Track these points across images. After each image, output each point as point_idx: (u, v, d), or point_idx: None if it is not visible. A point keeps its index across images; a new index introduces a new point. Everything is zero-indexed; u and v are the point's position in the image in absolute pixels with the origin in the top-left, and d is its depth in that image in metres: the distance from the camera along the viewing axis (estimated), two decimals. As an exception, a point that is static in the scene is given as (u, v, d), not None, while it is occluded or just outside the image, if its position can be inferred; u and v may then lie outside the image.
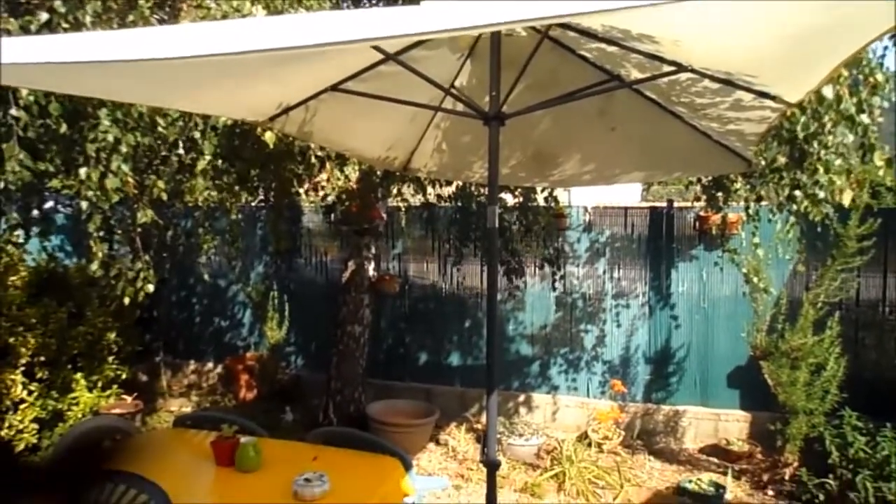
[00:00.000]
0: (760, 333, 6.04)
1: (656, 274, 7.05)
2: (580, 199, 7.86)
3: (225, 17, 3.46)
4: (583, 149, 3.80)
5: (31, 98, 3.56)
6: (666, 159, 3.92)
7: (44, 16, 3.36)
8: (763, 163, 4.57)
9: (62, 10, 3.36)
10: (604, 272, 7.21)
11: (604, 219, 7.23)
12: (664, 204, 7.33)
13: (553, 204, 6.19)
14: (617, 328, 7.18)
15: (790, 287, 6.35)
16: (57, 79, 2.09)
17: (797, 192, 4.48)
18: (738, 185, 5.15)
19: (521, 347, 7.43)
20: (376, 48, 2.76)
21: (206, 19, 3.60)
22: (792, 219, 5.15)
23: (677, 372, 6.97)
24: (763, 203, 5.47)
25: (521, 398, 7.40)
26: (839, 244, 5.63)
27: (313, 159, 5.03)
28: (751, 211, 5.21)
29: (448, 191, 6.46)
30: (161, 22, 3.99)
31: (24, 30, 3.37)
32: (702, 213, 6.64)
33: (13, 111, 3.51)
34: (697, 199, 5.81)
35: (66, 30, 3.34)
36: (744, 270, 6.01)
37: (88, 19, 3.35)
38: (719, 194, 5.27)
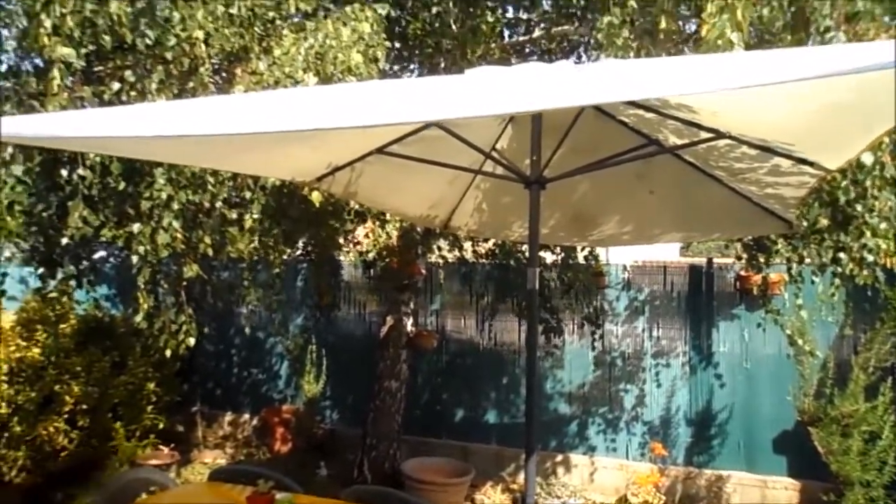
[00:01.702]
0: (808, 398, 5.83)
1: (696, 333, 6.91)
2: (619, 256, 7.83)
3: (277, 83, 3.65)
4: (622, 210, 3.84)
5: (97, 159, 3.78)
6: (705, 220, 3.92)
7: (115, 85, 3.60)
8: (805, 224, 4.53)
9: (131, 79, 3.60)
10: (643, 330, 7.10)
11: (642, 276, 7.17)
12: (703, 260, 7.25)
13: (593, 262, 6.19)
14: (657, 388, 7.01)
15: (837, 350, 6.15)
16: (126, 148, 2.24)
17: (841, 255, 4.41)
18: (779, 246, 5.09)
19: (558, 406, 7.30)
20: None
21: (260, 85, 3.79)
22: (837, 281, 5.04)
23: (720, 435, 6.74)
24: (806, 262, 5.37)
25: (559, 458, 7.23)
26: (889, 307, 5.47)
27: (353, 215, 5.17)
28: (793, 272, 5.12)
29: (485, 247, 6.53)
30: (217, 86, 4.23)
31: (97, 97, 3.62)
32: (742, 273, 6.53)
33: (80, 171, 3.72)
34: (738, 258, 5.74)
35: (133, 97, 3.57)
36: (787, 332, 5.86)
37: (154, 86, 3.58)
38: (760, 255, 5.21)
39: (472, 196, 4.01)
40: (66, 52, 3.45)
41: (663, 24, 2.88)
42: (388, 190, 3.66)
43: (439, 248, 6.59)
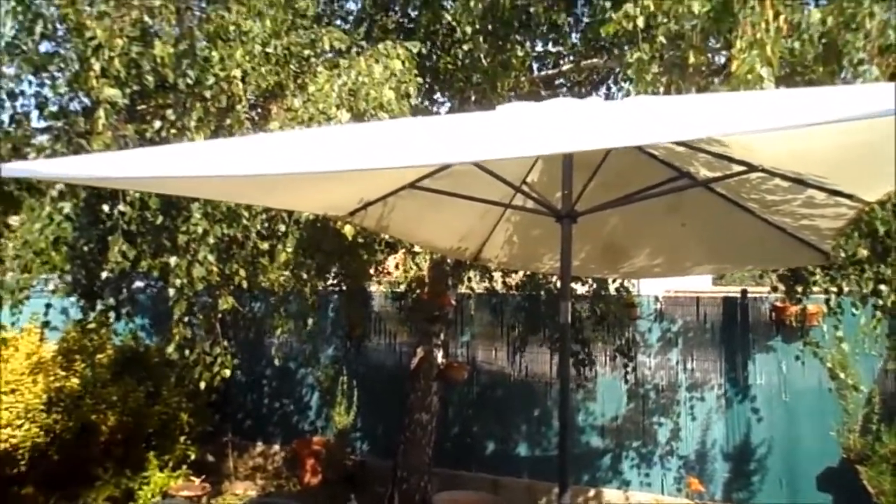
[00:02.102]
0: (853, 434, 5.63)
1: (732, 365, 6.76)
2: (650, 287, 7.74)
3: (311, 119, 3.75)
4: (653, 242, 3.81)
5: (137, 194, 3.91)
6: (738, 252, 3.86)
7: (157, 123, 3.74)
8: (843, 255, 4.43)
9: (172, 117, 3.73)
10: (677, 362, 6.97)
11: (675, 308, 7.07)
12: (737, 290, 7.13)
13: (624, 293, 6.13)
14: (692, 421, 6.85)
15: (882, 384, 5.95)
16: (166, 186, 2.32)
17: (882, 287, 4.29)
18: (817, 277, 4.97)
19: (591, 439, 7.16)
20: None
21: (294, 121, 3.90)
22: (878, 313, 4.90)
23: (759, 470, 6.53)
24: (845, 293, 5.23)
25: (591, 493, 7.07)
26: (934, 339, 5.29)
27: (383, 245, 5.22)
28: (832, 304, 4.99)
29: (516, 278, 6.51)
30: (253, 122, 4.36)
31: (139, 134, 3.76)
32: (778, 304, 6.39)
33: (121, 206, 3.85)
34: (774, 289, 5.62)
35: (174, 135, 3.70)
36: (828, 365, 5.69)
37: (193, 124, 3.70)
38: (797, 286, 5.10)
39: (503, 228, 4.03)
40: (112, 93, 3.61)
41: (692, 59, 2.89)
42: (419, 223, 3.70)
43: (469, 280, 6.59)
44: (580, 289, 6.30)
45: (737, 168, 2.75)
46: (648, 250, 3.87)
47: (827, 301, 5.11)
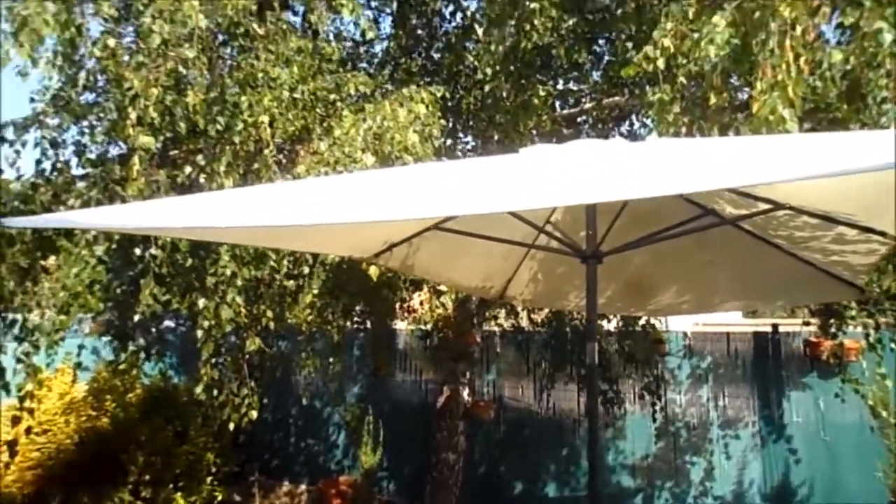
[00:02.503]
0: (898, 475, 5.41)
1: (765, 402, 6.58)
2: (679, 321, 7.62)
3: (337, 162, 3.82)
4: (680, 279, 3.77)
5: (168, 238, 4.00)
6: (767, 288, 3.80)
7: (187, 169, 3.86)
8: (878, 290, 4.33)
9: (202, 163, 3.84)
10: (707, 399, 6.81)
11: (704, 343, 6.94)
12: (767, 323, 6.98)
13: (651, 329, 6.04)
14: (726, 460, 6.65)
15: (927, 422, 5.73)
16: (196, 233, 2.38)
17: (922, 322, 4.17)
18: (853, 311, 4.86)
19: (621, 478, 6.99)
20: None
21: (321, 164, 3.98)
22: (919, 349, 4.76)
23: (800, 514, 6.30)
24: (883, 328, 5.10)
25: (624, 536, 6.87)
26: (979, 375, 5.10)
27: (408, 283, 5.24)
28: (871, 339, 4.86)
29: (542, 315, 6.47)
30: (280, 165, 4.46)
31: (171, 179, 3.87)
32: (812, 339, 6.24)
33: (152, 250, 3.95)
34: (806, 323, 5.51)
35: (204, 179, 3.80)
36: (870, 403, 5.50)
37: (222, 168, 3.80)
38: (832, 320, 4.98)
39: (528, 266, 4.02)
40: (146, 140, 3.74)
41: (713, 100, 2.90)
42: (444, 263, 3.72)
43: (495, 317, 6.57)
44: (607, 325, 6.24)
45: (763, 206, 2.72)
46: (675, 287, 3.83)
47: (866, 336, 4.98)
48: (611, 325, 6.19)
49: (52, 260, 4.47)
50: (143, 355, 5.02)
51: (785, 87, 2.44)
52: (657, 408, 6.59)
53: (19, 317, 4.31)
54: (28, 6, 3.21)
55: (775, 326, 6.88)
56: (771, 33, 2.51)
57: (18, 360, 4.00)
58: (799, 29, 2.49)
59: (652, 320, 6.02)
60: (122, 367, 4.95)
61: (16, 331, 4.20)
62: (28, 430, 4.46)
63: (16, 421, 4.00)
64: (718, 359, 6.86)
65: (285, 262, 4.19)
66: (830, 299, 4.47)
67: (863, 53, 2.49)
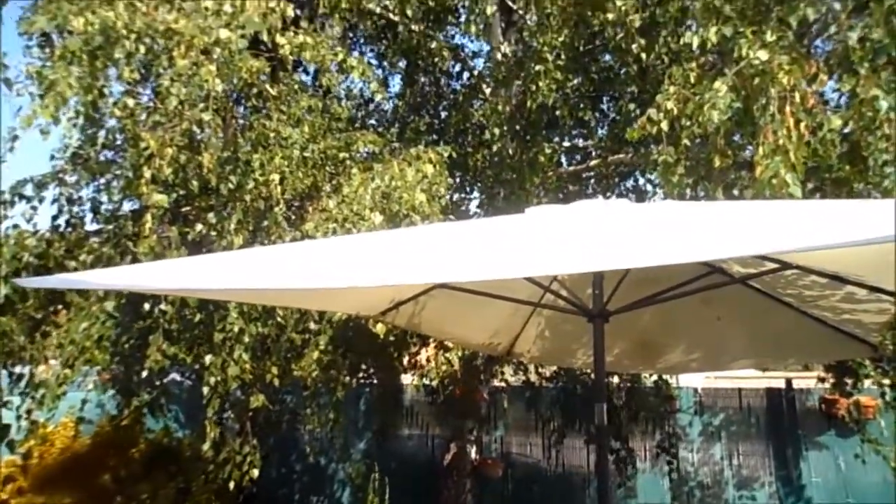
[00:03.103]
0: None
1: (782, 461, 6.41)
2: (689, 376, 7.51)
3: (346, 220, 3.87)
4: (688, 337, 3.73)
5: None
6: (778, 346, 3.75)
7: (198, 226, 3.91)
8: (892, 347, 4.27)
9: (213, 220, 3.91)
10: (721, 458, 6.64)
11: (716, 399, 6.82)
12: (780, 376, 6.85)
13: (662, 386, 5.96)
14: (743, 523, 6.45)
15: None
16: (205, 293, 2.40)
17: (938, 381, 4.10)
18: (868, 369, 4.78)
19: (633, 541, 6.77)
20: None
21: (329, 222, 4.03)
22: (938, 408, 4.65)
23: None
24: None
25: None
26: None
27: (414, 337, 5.21)
28: (888, 398, 4.77)
29: (550, 369, 6.40)
30: (288, 222, 4.51)
31: (182, 236, 3.93)
32: (828, 396, 6.12)
33: (162, 305, 3.97)
34: (821, 379, 5.41)
35: (214, 237, 3.85)
36: (892, 465, 5.35)
37: (232, 227, 3.86)
38: (846, 378, 4.90)
39: (535, 323, 4.00)
40: (159, 198, 3.81)
41: (717, 163, 2.94)
42: (450, 320, 3.71)
43: (503, 373, 6.50)
44: (616, 380, 6.15)
45: (770, 265, 2.72)
46: (684, 346, 3.79)
47: (882, 395, 4.88)
48: (620, 380, 6.11)
49: (62, 314, 4.50)
50: (146, 411, 4.99)
51: (787, 152, 2.48)
52: (672, 466, 6.43)
53: (27, 371, 4.32)
54: (56, 70, 3.34)
55: (789, 382, 6.76)
56: (771, 99, 2.57)
57: (19, 417, 3.99)
58: (798, 95, 2.55)
59: (662, 375, 5.94)
60: (124, 422, 4.91)
61: (22, 385, 4.20)
62: (20, 491, 4.40)
63: (7, 480, 3.96)
64: (731, 415, 6.73)
65: (293, 319, 4.19)
66: (843, 357, 4.40)
67: (861, 118, 2.54)
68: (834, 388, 5.25)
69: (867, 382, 5.09)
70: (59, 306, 4.41)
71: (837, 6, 2.89)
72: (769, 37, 2.76)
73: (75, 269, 4.10)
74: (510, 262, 1.50)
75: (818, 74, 2.63)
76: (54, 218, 4.35)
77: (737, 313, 3.48)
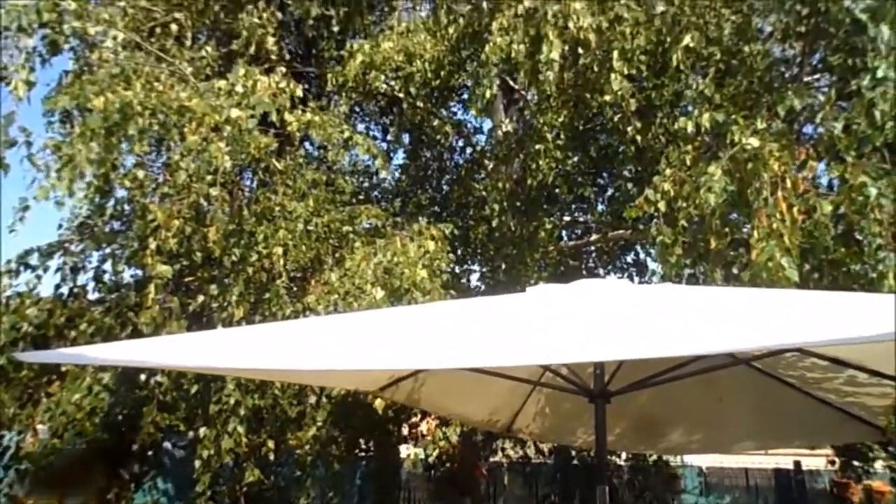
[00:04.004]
0: None
1: (793, 548, 6.16)
2: (694, 455, 7.32)
3: (347, 294, 3.89)
4: (689, 418, 3.67)
5: (175, 365, 4.01)
6: (782, 428, 3.68)
7: (200, 297, 3.94)
8: (897, 431, 4.18)
9: (214, 292, 3.93)
10: (730, 543, 6.40)
11: (722, 479, 6.63)
12: (789, 456, 6.68)
13: (665, 465, 5.81)
14: None
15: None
16: (201, 370, 2.40)
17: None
18: (878, 451, 4.66)
19: None
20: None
21: (331, 295, 4.05)
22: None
23: None
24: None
25: None
26: None
27: (415, 410, 5.13)
28: (899, 483, 4.63)
29: (550, 445, 6.26)
30: (290, 293, 4.53)
31: (184, 307, 3.95)
32: (839, 479, 5.95)
33: (158, 377, 3.94)
34: (832, 462, 5.28)
35: (216, 309, 3.87)
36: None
37: (234, 299, 3.88)
38: (854, 462, 4.78)
39: (535, 400, 3.95)
40: (163, 269, 3.85)
41: (713, 245, 2.99)
42: (450, 397, 3.66)
43: (503, 449, 6.36)
44: (618, 458, 6.01)
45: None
46: (685, 426, 3.72)
47: (892, 480, 4.75)
48: (622, 458, 5.96)
49: (56, 384, 4.46)
50: (133, 486, 4.87)
51: (781, 236, 2.52)
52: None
53: (13, 443, 4.25)
54: (75, 146, 3.46)
55: (798, 464, 6.59)
56: (764, 183, 2.64)
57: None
58: (789, 181, 2.61)
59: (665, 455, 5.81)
60: (109, 497, 4.78)
61: (6, 459, 4.13)
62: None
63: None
64: (738, 497, 6.53)
65: (290, 392, 4.15)
66: (850, 440, 4.31)
67: (853, 203, 2.60)
68: (843, 471, 5.11)
69: (878, 465, 4.97)
70: (54, 376, 4.38)
71: (821, 97, 3.01)
72: (759, 124, 2.87)
73: (75, 339, 4.10)
74: (511, 350, 1.50)
75: (808, 161, 2.71)
76: (57, 287, 4.39)
77: (738, 394, 3.44)
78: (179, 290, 4.39)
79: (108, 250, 4.34)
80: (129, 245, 4.05)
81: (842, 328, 1.25)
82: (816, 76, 4.56)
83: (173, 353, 2.07)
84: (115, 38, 4.04)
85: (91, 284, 4.55)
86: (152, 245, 3.86)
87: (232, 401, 4.12)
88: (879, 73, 2.59)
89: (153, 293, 3.84)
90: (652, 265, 5.59)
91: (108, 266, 4.40)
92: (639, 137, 4.21)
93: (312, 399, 4.15)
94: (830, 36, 3.32)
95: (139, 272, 4.45)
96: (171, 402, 4.34)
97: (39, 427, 4.32)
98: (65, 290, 4.42)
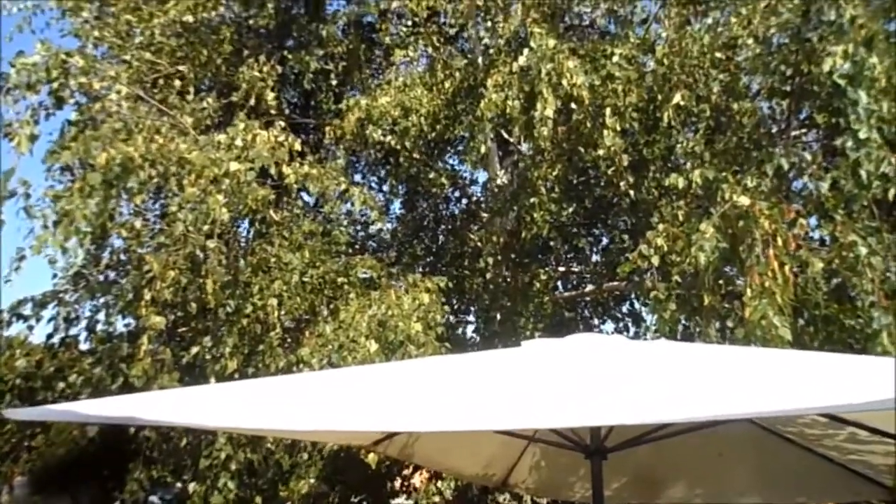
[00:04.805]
0: None
1: None
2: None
3: (341, 347, 3.87)
4: (690, 473, 3.61)
5: (164, 418, 3.94)
6: (784, 483, 3.62)
7: (193, 349, 3.91)
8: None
9: (208, 344, 3.90)
10: None
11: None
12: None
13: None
14: None
15: None
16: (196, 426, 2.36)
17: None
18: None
19: None
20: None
21: (324, 347, 4.02)
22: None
23: None
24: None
25: None
26: None
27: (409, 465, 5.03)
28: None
29: (547, 500, 6.12)
30: (284, 345, 4.49)
31: (176, 359, 3.91)
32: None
33: (146, 432, 3.88)
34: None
35: (209, 361, 3.83)
36: None
37: (228, 351, 3.85)
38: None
39: (531, 453, 3.89)
40: (157, 320, 3.83)
41: (706, 301, 3.01)
42: (444, 451, 3.61)
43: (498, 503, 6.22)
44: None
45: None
46: (685, 481, 3.66)
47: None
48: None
49: (39, 437, 4.38)
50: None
51: (773, 294, 2.54)
52: None
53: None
54: (72, 201, 3.48)
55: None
56: (755, 241, 2.68)
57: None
58: (780, 239, 2.65)
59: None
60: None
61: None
62: None
63: None
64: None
65: (282, 446, 4.08)
66: (856, 498, 4.21)
67: (844, 261, 2.63)
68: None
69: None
70: (38, 428, 4.30)
71: (808, 156, 3.09)
72: (749, 182, 2.93)
73: (63, 391, 4.04)
74: (504, 413, 1.49)
75: (797, 219, 2.75)
76: (49, 336, 4.34)
77: (739, 449, 3.40)
78: (173, 341, 4.36)
79: (101, 300, 4.32)
80: (124, 296, 4.03)
81: (838, 395, 1.25)
82: (804, 130, 4.68)
83: (163, 410, 2.05)
84: (118, 91, 4.12)
85: (83, 335, 4.51)
86: (147, 296, 3.85)
87: (223, 455, 4.04)
88: (861, 135, 2.66)
89: (146, 344, 3.81)
90: (647, 316, 5.59)
91: (101, 316, 4.37)
92: (632, 192, 4.29)
93: (305, 455, 4.08)
94: (814, 95, 3.42)
95: (132, 321, 4.42)
96: (160, 454, 4.25)
97: (19, 479, 4.22)
98: (56, 340, 4.38)
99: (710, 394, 1.45)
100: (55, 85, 3.90)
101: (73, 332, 4.43)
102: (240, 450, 4.08)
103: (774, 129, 4.41)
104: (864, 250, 2.54)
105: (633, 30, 5.35)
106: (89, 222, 3.53)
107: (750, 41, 4.01)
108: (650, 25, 5.39)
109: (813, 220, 3.38)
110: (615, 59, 4.42)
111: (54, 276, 4.54)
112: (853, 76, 2.78)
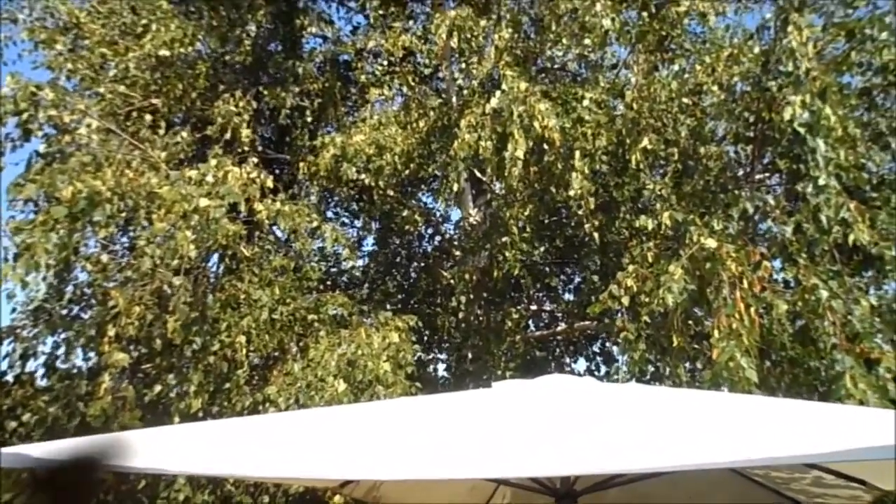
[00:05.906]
0: None
1: None
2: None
3: (309, 386, 3.79)
4: (661, 517, 3.58)
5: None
6: (754, 526, 3.61)
7: (157, 388, 3.79)
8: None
9: (172, 382, 3.80)
10: None
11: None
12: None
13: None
14: None
15: None
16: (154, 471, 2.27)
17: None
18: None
19: None
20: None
21: (292, 386, 3.94)
22: None
23: None
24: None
25: None
26: None
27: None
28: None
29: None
30: (250, 383, 4.39)
31: (139, 397, 3.79)
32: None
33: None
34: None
35: (172, 399, 3.72)
36: None
37: (192, 389, 3.75)
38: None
39: (501, 494, 3.83)
40: (120, 357, 3.72)
41: (675, 342, 3.04)
42: (412, 493, 3.53)
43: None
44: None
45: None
46: (657, 525, 3.62)
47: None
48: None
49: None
50: None
51: (740, 336, 2.58)
52: None
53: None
54: (34, 235, 3.40)
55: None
56: (722, 282, 2.73)
57: None
58: (746, 281, 2.70)
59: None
60: None
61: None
62: None
63: None
64: None
65: (243, 488, 3.95)
66: (821, 539, 4.22)
67: (806, 304, 2.69)
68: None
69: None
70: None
71: (772, 200, 3.18)
72: (716, 224, 3.00)
73: (15, 430, 3.87)
74: (470, 462, 1.47)
75: (762, 262, 2.81)
76: (2, 374, 4.17)
77: (709, 491, 3.39)
78: (136, 378, 4.23)
79: (63, 336, 4.18)
80: (85, 331, 3.91)
81: (815, 445, 1.25)
82: (767, 174, 4.82)
83: (121, 454, 1.97)
84: (89, 125, 4.07)
85: (40, 371, 4.34)
86: (111, 331, 3.75)
87: (181, 496, 3.91)
88: (821, 182, 2.76)
89: (106, 382, 3.69)
90: (619, 356, 5.61)
91: (61, 352, 4.23)
92: (596, 235, 4.35)
93: (266, 498, 3.95)
94: (776, 142, 3.55)
95: (94, 358, 4.28)
96: (115, 500, 4.08)
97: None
98: (10, 377, 4.21)
99: (682, 442, 1.44)
100: (24, 117, 3.84)
101: (30, 367, 4.28)
102: (199, 491, 3.95)
103: (740, 173, 4.54)
104: (825, 293, 2.60)
105: (604, 74, 5.51)
106: (51, 255, 3.43)
107: (715, 88, 4.17)
108: (620, 70, 5.55)
109: (777, 263, 3.47)
110: (585, 102, 4.53)
111: (13, 310, 4.39)
112: (812, 125, 2.89)
